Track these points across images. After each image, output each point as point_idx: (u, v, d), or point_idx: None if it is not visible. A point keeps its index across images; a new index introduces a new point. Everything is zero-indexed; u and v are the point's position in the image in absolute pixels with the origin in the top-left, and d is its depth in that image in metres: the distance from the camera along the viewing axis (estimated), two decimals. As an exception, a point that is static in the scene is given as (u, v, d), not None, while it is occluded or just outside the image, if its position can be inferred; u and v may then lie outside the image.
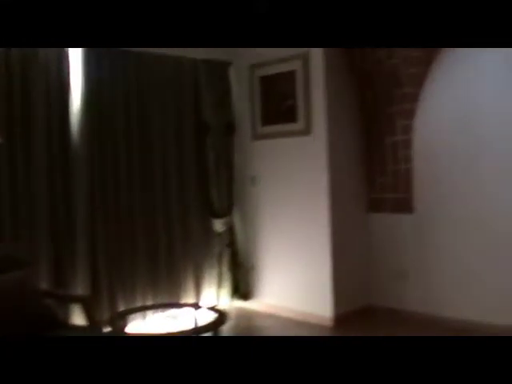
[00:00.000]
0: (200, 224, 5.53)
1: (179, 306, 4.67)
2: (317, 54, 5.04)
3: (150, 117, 5.11)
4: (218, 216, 5.61)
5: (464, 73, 4.78)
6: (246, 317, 5.59)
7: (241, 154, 5.79)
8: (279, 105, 5.38)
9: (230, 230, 5.76)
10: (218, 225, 5.61)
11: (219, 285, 5.66)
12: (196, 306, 4.39)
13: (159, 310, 4.58)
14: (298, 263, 5.35)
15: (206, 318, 3.96)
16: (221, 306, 5.28)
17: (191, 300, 5.36)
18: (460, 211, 4.85)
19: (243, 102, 5.73)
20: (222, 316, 3.81)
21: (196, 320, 3.97)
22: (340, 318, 5.10)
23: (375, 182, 5.37)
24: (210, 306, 4.51)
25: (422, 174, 5.07)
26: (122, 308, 4.77)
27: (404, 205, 5.15)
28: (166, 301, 5.08)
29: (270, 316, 5.52)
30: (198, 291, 5.49)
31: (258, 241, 5.73)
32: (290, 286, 5.44)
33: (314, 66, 5.07)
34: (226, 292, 5.72)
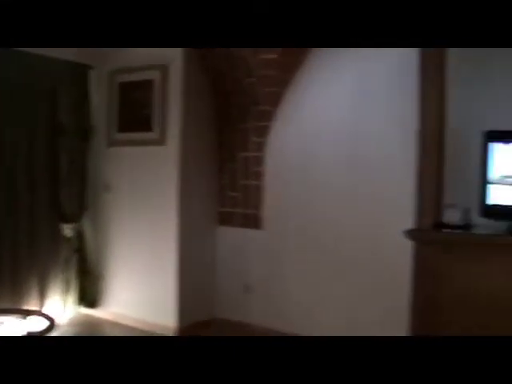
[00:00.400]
0: (48, 228, 5.35)
1: (7, 312, 4.49)
2: (176, 66, 5.08)
3: (2, 114, 4.92)
4: (68, 221, 5.48)
5: (317, 95, 4.97)
6: (91, 325, 5.49)
7: (96, 160, 5.70)
8: (136, 113, 5.35)
9: (80, 235, 5.63)
10: (67, 230, 5.48)
11: (65, 292, 5.51)
12: (26, 312, 4.24)
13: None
14: (146, 273, 5.33)
15: (36, 325, 3.86)
16: (57, 314, 5.16)
17: (35, 307, 5.19)
18: (306, 229, 5.00)
19: (102, 107, 5.65)
20: (51, 323, 3.73)
21: (25, 327, 3.85)
22: (184, 330, 5.12)
23: (226, 196, 5.44)
24: (42, 312, 4.38)
25: (272, 191, 5.19)
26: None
27: (253, 220, 5.25)
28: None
29: (116, 325, 5.46)
30: (42, 298, 5.32)
31: (108, 248, 5.65)
32: (138, 295, 5.41)
33: (173, 77, 5.10)
34: (72, 299, 5.59)
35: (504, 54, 4.10)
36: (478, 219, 4.09)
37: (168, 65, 5.10)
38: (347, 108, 4.82)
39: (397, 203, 4.52)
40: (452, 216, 4.10)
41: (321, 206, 4.93)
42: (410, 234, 4.05)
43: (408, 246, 4.12)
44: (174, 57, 5.08)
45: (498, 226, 4.01)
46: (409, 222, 4.31)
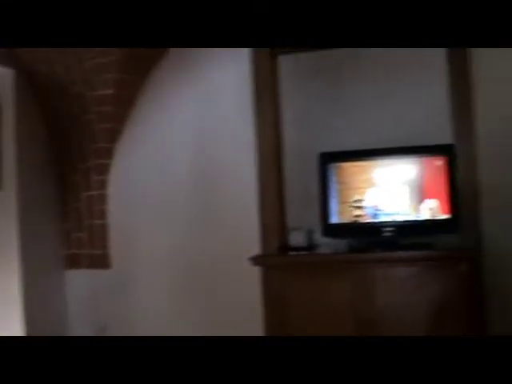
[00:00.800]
0: None
1: None
2: (8, 106, 4.85)
3: None
4: None
5: (158, 127, 4.97)
6: None
7: None
8: (-32, 158, 5.06)
9: None
10: None
11: None
12: None
13: None
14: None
15: None
16: None
17: None
18: (155, 263, 4.95)
19: None
20: None
21: None
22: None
23: (71, 238, 5.23)
24: None
25: (118, 229, 5.07)
26: None
27: (101, 260, 5.09)
28: None
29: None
30: None
31: None
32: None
33: (5, 118, 4.86)
34: None
35: (338, 71, 4.45)
36: (322, 239, 4.20)
37: (0, 106, 4.88)
38: (189, 136, 4.87)
39: (244, 230, 4.56)
40: (297, 238, 4.18)
41: (168, 238, 4.89)
42: (255, 260, 4.08)
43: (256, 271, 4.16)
44: (6, 97, 4.86)
45: (341, 244, 4.16)
46: (257, 248, 4.37)
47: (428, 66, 4.29)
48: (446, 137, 4.12)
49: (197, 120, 4.83)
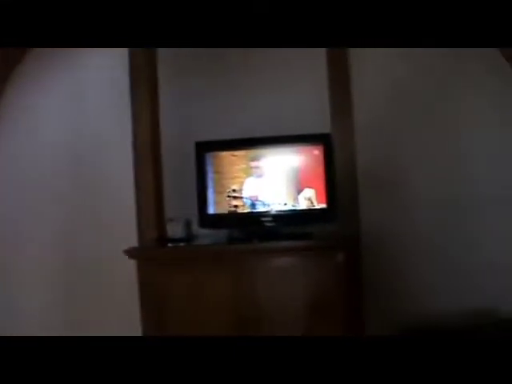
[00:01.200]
0: None
1: None
2: None
3: None
4: None
5: (29, 121, 4.73)
6: None
7: None
8: None
9: None
10: None
11: None
12: None
13: None
14: None
15: None
16: None
17: None
18: (32, 264, 4.71)
19: None
20: None
21: None
22: None
23: None
24: None
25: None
26: None
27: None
28: None
29: None
30: None
31: None
32: None
33: None
34: None
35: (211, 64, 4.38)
36: (202, 230, 4.10)
37: None
38: (64, 130, 4.65)
39: (121, 221, 4.45)
40: (174, 229, 4.07)
41: (44, 233, 4.66)
42: (130, 252, 3.93)
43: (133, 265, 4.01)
44: None
45: (220, 234, 4.08)
46: (135, 240, 4.24)
47: (308, 58, 4.30)
48: (325, 127, 4.12)
49: (71, 113, 4.64)
